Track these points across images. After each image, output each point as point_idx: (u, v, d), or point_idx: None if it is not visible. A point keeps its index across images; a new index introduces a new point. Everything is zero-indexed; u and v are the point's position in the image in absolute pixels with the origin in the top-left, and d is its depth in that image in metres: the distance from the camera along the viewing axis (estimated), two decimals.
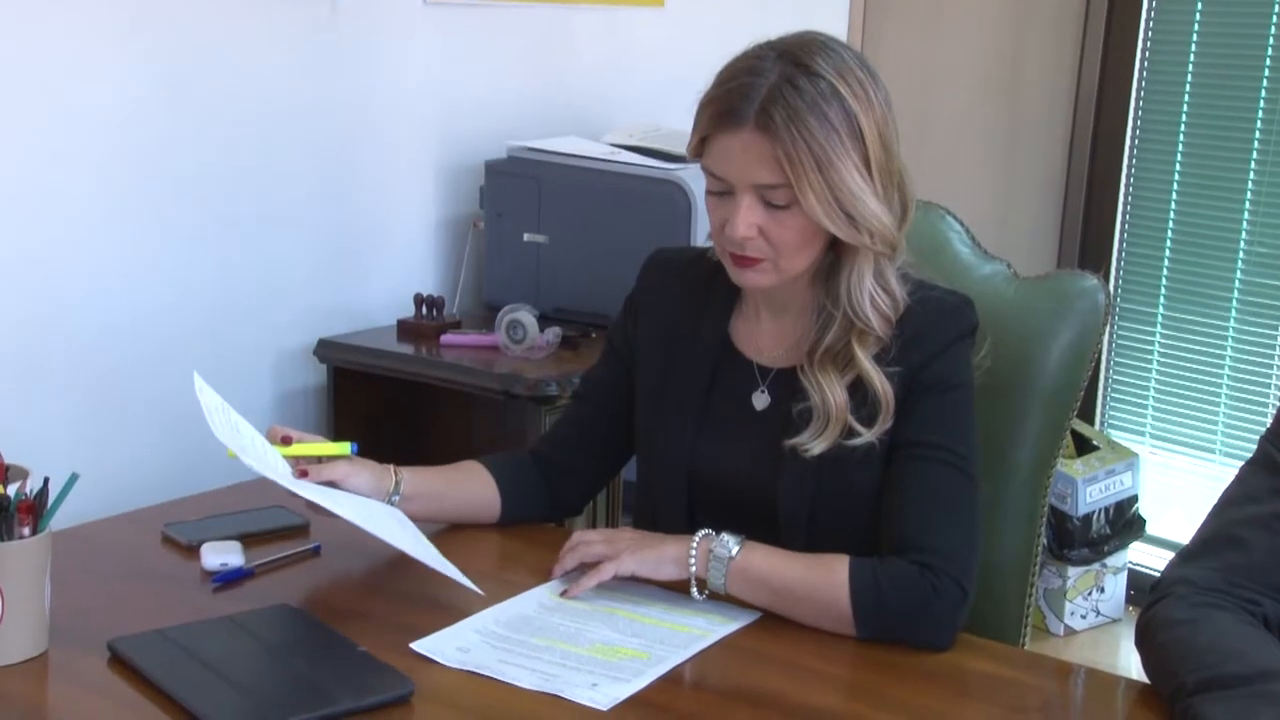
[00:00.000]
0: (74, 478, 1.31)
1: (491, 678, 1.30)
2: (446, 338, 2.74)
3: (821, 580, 1.44)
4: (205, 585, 1.50)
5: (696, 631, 1.41)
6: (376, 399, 2.79)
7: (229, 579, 1.52)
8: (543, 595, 1.48)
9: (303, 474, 1.51)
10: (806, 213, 1.47)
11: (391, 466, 1.60)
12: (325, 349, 2.73)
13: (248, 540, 1.59)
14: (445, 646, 1.36)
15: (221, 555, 1.54)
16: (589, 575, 1.47)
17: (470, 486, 1.67)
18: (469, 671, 1.31)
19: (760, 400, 1.60)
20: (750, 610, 1.46)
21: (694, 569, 1.46)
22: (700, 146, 1.52)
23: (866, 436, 1.51)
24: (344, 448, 1.56)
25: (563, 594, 1.47)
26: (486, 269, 2.94)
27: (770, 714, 1.25)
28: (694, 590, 1.46)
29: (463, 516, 1.66)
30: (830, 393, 1.51)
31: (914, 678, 1.38)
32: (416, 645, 1.36)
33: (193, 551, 1.57)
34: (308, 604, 1.44)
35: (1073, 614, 3.34)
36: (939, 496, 1.48)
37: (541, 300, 2.79)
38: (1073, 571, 3.32)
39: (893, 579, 1.43)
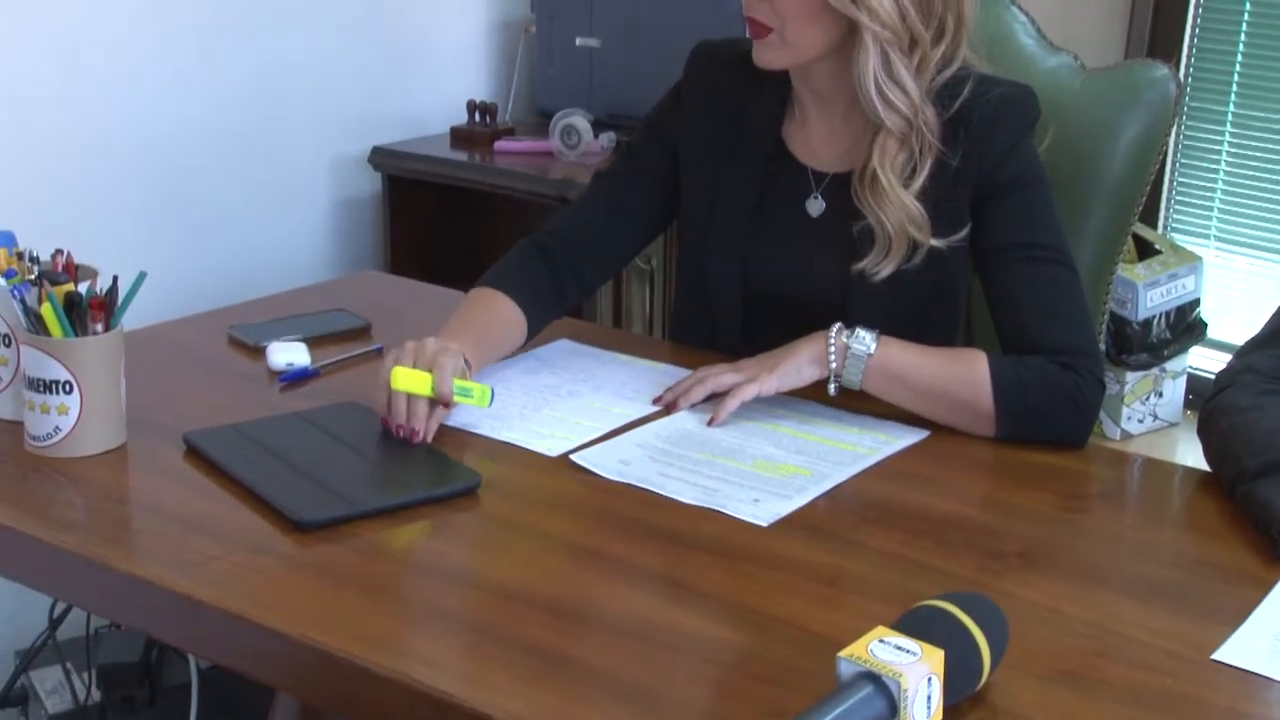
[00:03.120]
0: (142, 276, 1.33)
1: (647, 489, 1.29)
2: (500, 144, 2.74)
3: (961, 376, 1.43)
4: (272, 385, 1.53)
5: (862, 450, 1.39)
6: (431, 206, 2.80)
7: (295, 378, 1.55)
8: (703, 414, 1.45)
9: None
10: None
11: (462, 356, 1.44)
12: (379, 156, 2.74)
13: (311, 342, 1.62)
14: (606, 459, 1.35)
15: (287, 355, 1.57)
16: (731, 397, 1.43)
17: (506, 331, 1.57)
18: (629, 484, 1.30)
19: (815, 206, 1.59)
20: (917, 429, 1.44)
21: (832, 365, 1.44)
22: None
23: (919, 253, 1.50)
24: (485, 395, 1.43)
25: (709, 423, 1.43)
26: (539, 74, 2.91)
27: (910, 536, 1.23)
28: (830, 385, 1.45)
29: (503, 355, 1.58)
30: (886, 216, 1.50)
31: (964, 466, 1.40)
32: (577, 458, 1.35)
33: (258, 352, 1.60)
34: (372, 403, 1.46)
35: (1129, 418, 3.35)
36: (1056, 295, 1.48)
37: (595, 105, 2.76)
38: (1130, 376, 3.32)
39: (1037, 377, 1.43)
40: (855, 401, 1.47)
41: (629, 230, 1.68)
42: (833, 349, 1.45)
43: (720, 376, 1.47)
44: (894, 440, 1.42)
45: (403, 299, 1.87)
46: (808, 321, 1.50)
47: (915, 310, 1.54)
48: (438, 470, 1.32)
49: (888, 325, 1.47)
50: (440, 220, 2.83)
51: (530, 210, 2.68)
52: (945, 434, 1.44)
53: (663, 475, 1.32)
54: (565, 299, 1.64)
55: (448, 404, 1.38)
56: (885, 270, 1.51)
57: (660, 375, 1.56)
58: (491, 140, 2.75)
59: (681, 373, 1.54)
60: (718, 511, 1.26)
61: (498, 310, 1.57)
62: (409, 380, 1.37)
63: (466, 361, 1.43)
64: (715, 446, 1.39)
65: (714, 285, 1.63)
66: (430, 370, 1.38)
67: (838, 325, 1.46)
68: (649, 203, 1.67)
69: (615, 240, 1.67)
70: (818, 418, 1.46)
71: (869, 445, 1.41)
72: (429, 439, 1.37)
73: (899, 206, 1.49)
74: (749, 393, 1.44)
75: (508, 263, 1.63)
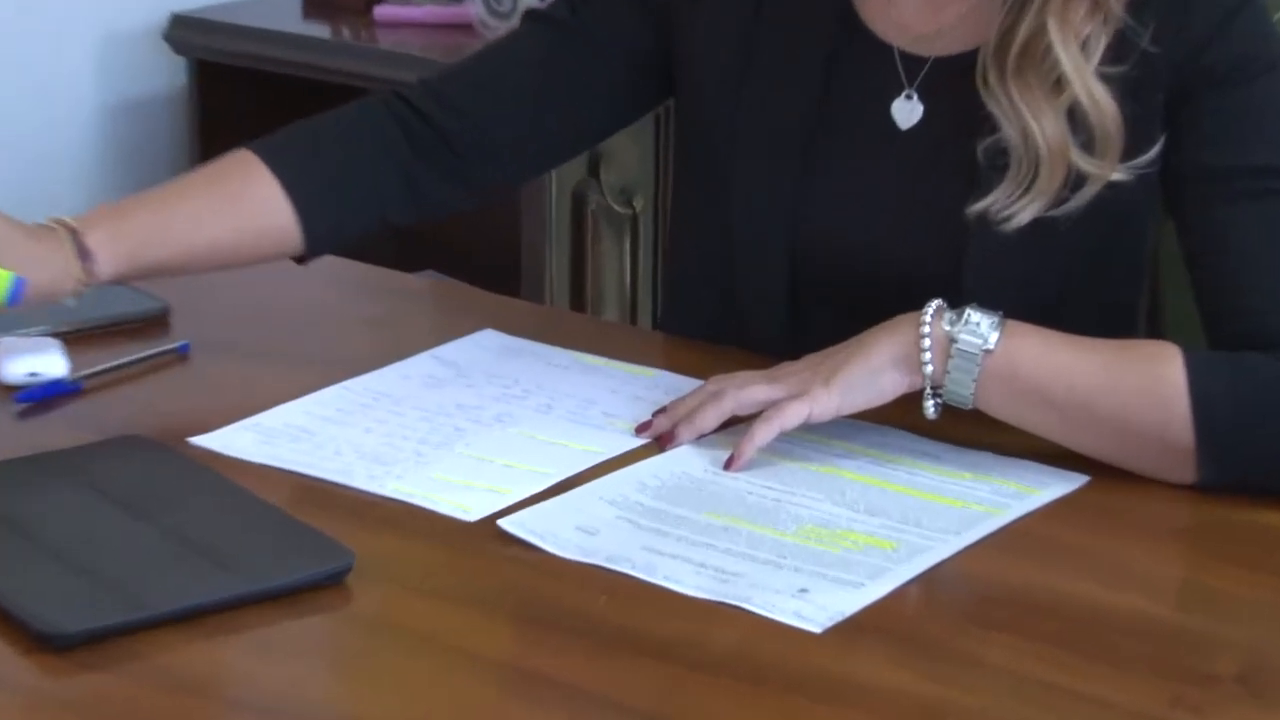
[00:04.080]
0: None
1: (625, 574, 1.30)
2: (383, 10, 2.76)
3: (1140, 387, 1.44)
4: (5, 406, 1.54)
5: (977, 507, 1.40)
6: (268, 111, 2.78)
7: (42, 397, 1.56)
8: (718, 449, 1.47)
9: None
10: None
11: (63, 230, 1.50)
12: (183, 31, 2.75)
13: (72, 339, 1.63)
14: (558, 525, 1.36)
15: (29, 360, 1.58)
16: (762, 424, 1.44)
17: (222, 226, 1.58)
18: (594, 566, 1.31)
19: (906, 112, 1.61)
20: (1067, 472, 1.45)
21: (928, 370, 1.45)
22: None
23: (1090, 186, 1.51)
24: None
25: (725, 466, 1.45)
26: None
27: (1054, 647, 1.24)
28: (927, 403, 1.46)
29: (224, 264, 1.60)
30: (1037, 122, 1.50)
31: (1145, 533, 1.41)
32: (509, 523, 1.36)
33: None
34: (172, 437, 1.47)
35: None
36: None
37: None
38: None
39: (1264, 386, 1.44)
40: (966, 429, 1.48)
41: (559, 115, 1.69)
42: (927, 342, 1.45)
43: (747, 390, 1.48)
44: (1029, 492, 1.43)
45: None
46: (891, 300, 1.50)
47: (1068, 280, 1.55)
48: (284, 546, 1.32)
49: (1019, 304, 1.48)
50: None
51: None
52: (1114, 479, 1.45)
53: (651, 551, 1.33)
54: (424, 199, 1.67)
55: None
56: (1025, 213, 1.52)
57: (647, 388, 1.58)
58: (369, 5, 2.77)
59: (683, 383, 1.56)
60: (740, 609, 1.26)
61: (231, 187, 1.60)
62: None
63: (91, 254, 1.46)
64: (737, 504, 1.40)
65: (742, 241, 1.65)
66: None
67: (935, 304, 1.46)
68: (598, 83, 1.69)
69: (534, 123, 1.68)
70: (904, 454, 1.47)
71: (988, 500, 1.42)
72: None
73: (1065, 108, 1.49)
74: (794, 416, 1.44)
75: (316, 121, 1.65)
